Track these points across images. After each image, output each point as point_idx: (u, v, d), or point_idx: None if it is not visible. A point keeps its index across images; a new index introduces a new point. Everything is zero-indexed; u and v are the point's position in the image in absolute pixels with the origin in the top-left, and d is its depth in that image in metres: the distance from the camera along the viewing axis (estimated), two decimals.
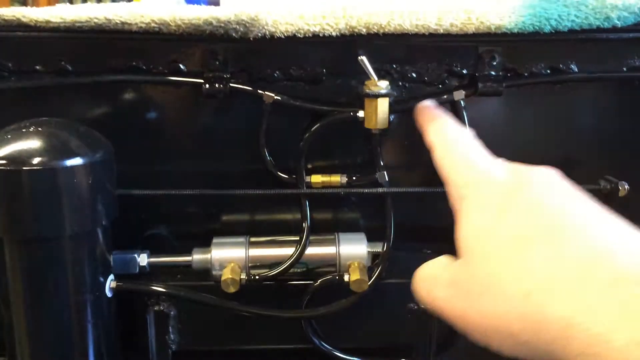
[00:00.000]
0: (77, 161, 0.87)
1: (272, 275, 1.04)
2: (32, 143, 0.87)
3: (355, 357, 1.13)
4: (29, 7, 1.01)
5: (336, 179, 1.07)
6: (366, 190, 1.07)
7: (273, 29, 0.97)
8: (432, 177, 1.12)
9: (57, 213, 0.86)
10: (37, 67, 1.02)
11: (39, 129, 0.89)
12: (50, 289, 0.89)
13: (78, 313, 0.92)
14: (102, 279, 0.95)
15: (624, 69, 1.05)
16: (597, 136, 1.10)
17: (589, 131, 1.10)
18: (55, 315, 0.90)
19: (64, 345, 0.91)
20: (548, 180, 0.71)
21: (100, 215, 0.92)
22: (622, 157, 1.10)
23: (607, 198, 1.03)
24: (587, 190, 1.04)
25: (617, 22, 0.98)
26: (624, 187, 1.02)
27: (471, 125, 1.06)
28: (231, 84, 1.02)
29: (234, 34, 0.97)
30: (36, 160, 0.85)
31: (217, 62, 1.02)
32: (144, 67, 1.03)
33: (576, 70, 1.05)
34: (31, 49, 1.01)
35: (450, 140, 0.78)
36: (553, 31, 0.98)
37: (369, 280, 1.03)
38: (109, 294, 0.97)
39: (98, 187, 0.90)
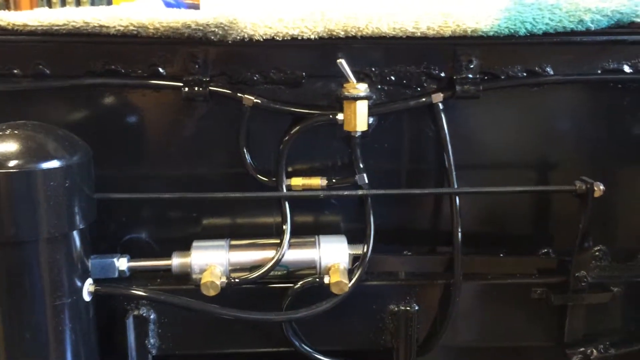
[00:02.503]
0: (53, 164, 0.87)
1: (253, 278, 1.04)
2: (8, 146, 0.86)
3: (336, 359, 1.13)
4: (8, 11, 1.01)
5: (316, 181, 1.08)
6: (346, 193, 1.07)
7: (252, 32, 0.97)
8: (412, 179, 1.13)
9: (33, 216, 0.86)
10: (15, 71, 1.02)
11: (15, 131, 0.88)
12: (26, 292, 0.89)
13: (55, 317, 0.91)
14: (79, 283, 0.94)
15: (599, 71, 1.07)
16: (573, 137, 1.12)
17: (565, 133, 1.11)
18: (32, 319, 0.89)
19: (41, 349, 0.91)
20: None
21: (78, 219, 0.91)
22: (597, 158, 1.12)
23: (583, 198, 1.05)
24: (563, 191, 1.07)
25: (591, 25, 0.99)
26: (599, 188, 1.03)
27: (449, 128, 1.07)
28: (211, 88, 1.03)
29: (212, 37, 0.98)
30: (12, 163, 0.85)
31: (197, 66, 1.02)
32: (123, 71, 1.03)
33: (552, 73, 1.06)
34: (8, 52, 1.01)
35: None
36: (528, 34, 0.99)
37: (350, 283, 1.04)
38: (87, 297, 0.96)
39: (75, 190, 0.90)
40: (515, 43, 1.02)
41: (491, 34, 0.98)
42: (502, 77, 1.06)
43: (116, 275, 1.04)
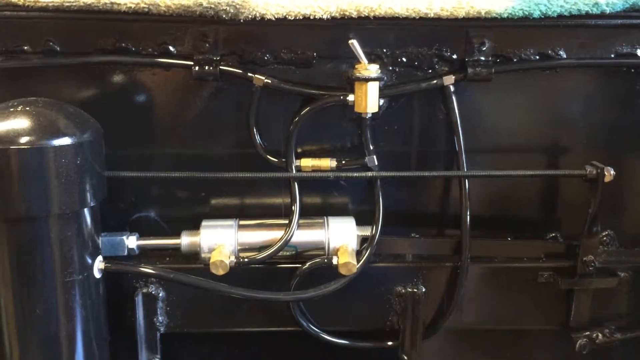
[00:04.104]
0: (65, 141, 0.87)
1: (261, 258, 1.04)
2: (20, 122, 0.86)
3: (343, 340, 1.14)
4: None
5: (326, 162, 1.08)
6: (355, 174, 1.07)
7: (264, 11, 0.96)
8: (421, 162, 1.13)
9: (44, 192, 0.86)
10: (25, 48, 1.01)
11: (27, 108, 0.88)
12: (37, 269, 0.89)
13: (66, 293, 0.91)
14: (90, 260, 0.95)
15: (612, 55, 1.06)
16: (584, 122, 1.11)
17: (576, 117, 1.11)
18: (42, 295, 0.90)
19: (52, 324, 0.91)
20: None
21: (89, 196, 0.91)
22: (608, 142, 1.12)
23: (593, 183, 1.04)
24: (574, 176, 1.07)
25: (606, 8, 0.98)
26: (609, 173, 1.03)
27: (460, 110, 1.07)
28: (221, 67, 1.02)
29: (224, 16, 0.97)
30: (24, 140, 0.85)
31: (207, 45, 1.02)
32: (133, 49, 1.02)
33: (564, 56, 1.05)
34: (19, 28, 1.00)
35: None
36: (542, 16, 0.98)
37: (358, 264, 1.04)
38: (97, 275, 0.96)
39: (86, 167, 0.90)
40: (529, 25, 1.01)
41: (505, 15, 0.97)
42: (515, 60, 1.05)
43: (125, 253, 1.05)
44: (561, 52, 1.05)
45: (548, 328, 1.16)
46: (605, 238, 1.14)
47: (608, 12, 0.99)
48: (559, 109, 1.10)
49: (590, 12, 0.98)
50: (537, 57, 1.05)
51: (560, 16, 0.99)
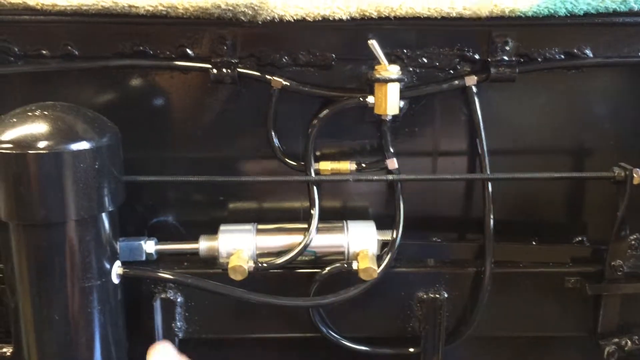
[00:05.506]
0: (83, 145, 0.86)
1: (280, 263, 1.03)
2: (38, 127, 0.86)
3: (364, 346, 1.12)
4: None
5: (345, 165, 1.06)
6: (375, 177, 1.05)
7: (282, 12, 0.95)
8: (442, 164, 1.11)
9: (62, 197, 0.85)
10: (44, 52, 1.01)
11: (45, 112, 0.88)
12: (56, 274, 0.88)
13: (84, 298, 0.91)
14: (108, 265, 0.94)
15: None
16: (612, 123, 1.08)
17: (603, 117, 1.08)
18: (61, 300, 0.90)
19: (70, 330, 0.91)
20: None
21: (107, 201, 0.91)
22: (637, 144, 1.08)
23: (621, 185, 1.01)
24: (601, 178, 1.04)
25: (634, 5, 0.95)
26: (638, 174, 1.00)
27: (483, 112, 1.05)
28: (239, 69, 1.01)
29: (242, 18, 0.96)
30: (42, 144, 0.84)
31: (225, 47, 1.01)
32: (151, 52, 1.02)
33: (591, 55, 1.03)
34: (37, 32, 1.00)
35: None
36: (568, 14, 0.96)
37: (378, 269, 1.02)
38: (115, 280, 0.96)
39: (104, 172, 0.89)
40: (554, 24, 0.98)
41: (530, 14, 0.95)
42: (539, 59, 1.02)
43: (144, 258, 1.04)
44: (587, 51, 1.02)
45: (575, 335, 1.13)
46: (633, 242, 1.10)
47: (636, 8, 0.96)
48: (585, 110, 1.07)
49: (618, 9, 0.96)
50: (563, 57, 1.02)
51: (587, 14, 0.96)
